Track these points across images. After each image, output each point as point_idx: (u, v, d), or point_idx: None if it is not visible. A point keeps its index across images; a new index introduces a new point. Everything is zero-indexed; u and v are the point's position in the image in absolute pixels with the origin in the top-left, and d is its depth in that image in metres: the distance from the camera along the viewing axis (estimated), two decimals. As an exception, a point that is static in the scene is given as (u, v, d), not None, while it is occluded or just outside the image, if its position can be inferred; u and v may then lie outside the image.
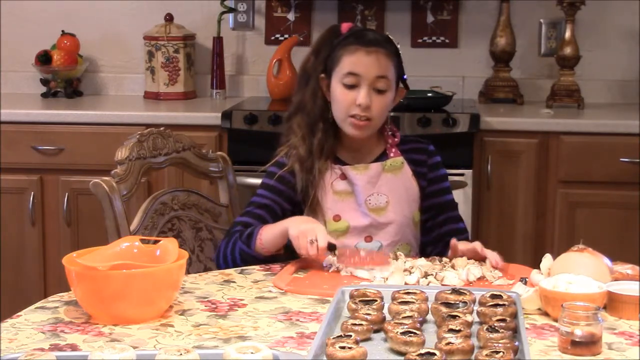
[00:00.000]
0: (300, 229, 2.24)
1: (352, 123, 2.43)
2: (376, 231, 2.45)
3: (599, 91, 4.19)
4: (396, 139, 2.53)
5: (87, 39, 4.33)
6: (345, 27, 2.49)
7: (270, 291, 2.13)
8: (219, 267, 2.41)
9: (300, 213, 2.45)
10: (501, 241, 3.64)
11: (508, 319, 1.80)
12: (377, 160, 2.50)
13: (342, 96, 2.43)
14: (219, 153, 2.78)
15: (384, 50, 2.42)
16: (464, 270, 2.18)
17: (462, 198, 3.50)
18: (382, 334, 1.78)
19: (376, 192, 2.47)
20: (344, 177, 2.47)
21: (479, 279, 2.18)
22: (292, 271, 2.25)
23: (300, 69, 2.58)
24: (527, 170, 3.67)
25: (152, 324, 1.89)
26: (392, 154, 2.51)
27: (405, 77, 2.50)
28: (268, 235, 2.32)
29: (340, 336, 1.69)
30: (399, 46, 2.48)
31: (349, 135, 2.46)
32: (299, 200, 2.46)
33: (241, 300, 2.06)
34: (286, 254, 2.36)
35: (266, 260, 2.34)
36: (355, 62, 2.41)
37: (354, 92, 2.41)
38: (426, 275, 2.16)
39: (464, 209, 3.41)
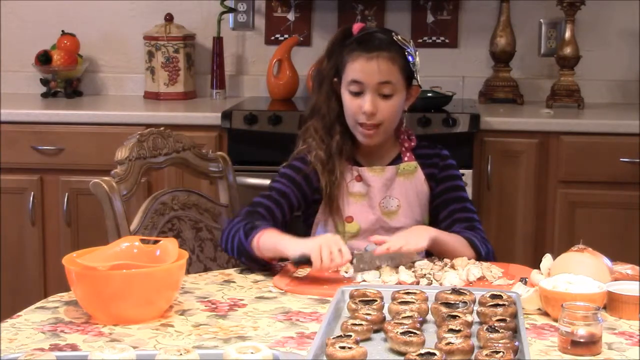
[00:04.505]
0: (322, 241, 2.16)
1: (361, 131, 2.42)
2: (387, 234, 2.44)
3: (599, 91, 4.19)
4: (412, 143, 2.52)
5: (87, 39, 4.33)
6: (356, 28, 2.46)
7: (270, 291, 2.13)
8: (220, 241, 2.36)
9: (312, 213, 2.46)
10: (501, 241, 3.64)
11: (508, 319, 1.80)
12: (392, 163, 2.50)
13: (348, 103, 2.42)
14: (219, 153, 2.78)
15: (386, 54, 2.38)
16: (464, 270, 2.18)
17: (462, 198, 3.50)
18: (382, 334, 1.78)
19: (389, 196, 2.47)
20: (359, 178, 2.46)
21: (479, 279, 2.18)
22: (292, 271, 2.25)
23: (315, 70, 2.56)
24: (527, 170, 3.67)
25: (152, 324, 1.89)
26: (406, 158, 2.50)
27: (416, 76, 2.44)
28: (266, 242, 2.23)
29: (340, 336, 1.69)
30: (411, 43, 2.44)
31: (361, 142, 2.46)
32: (312, 199, 2.46)
33: (241, 300, 2.06)
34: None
35: (259, 262, 2.27)
36: (357, 69, 2.39)
37: (360, 99, 2.40)
38: (424, 275, 2.16)
39: (464, 209, 3.41)
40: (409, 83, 2.44)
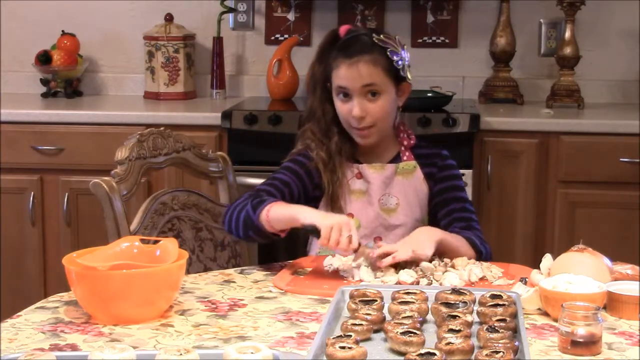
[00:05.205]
0: (335, 221, 2.18)
1: (356, 133, 2.46)
2: (386, 232, 2.46)
3: (599, 91, 4.19)
4: (412, 142, 2.53)
5: (87, 39, 4.33)
6: (342, 31, 2.48)
7: (270, 291, 2.13)
8: (224, 224, 2.39)
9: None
10: (501, 241, 3.64)
11: (508, 319, 1.80)
12: (391, 162, 2.51)
13: (340, 108, 2.45)
14: (219, 153, 2.78)
15: (367, 57, 2.40)
16: (466, 271, 2.18)
17: (462, 198, 3.50)
18: (382, 334, 1.78)
19: (388, 193, 2.48)
20: (359, 176, 2.48)
21: (480, 279, 2.17)
22: (292, 271, 2.26)
23: (308, 75, 2.58)
24: (527, 170, 3.67)
25: (152, 324, 1.89)
26: (405, 157, 2.52)
27: (403, 73, 2.44)
28: (277, 212, 2.26)
29: (340, 336, 1.69)
30: (396, 40, 2.44)
31: (358, 142, 2.48)
32: (312, 195, 2.48)
33: (241, 300, 2.06)
34: (286, 238, 2.34)
35: (266, 236, 2.30)
36: (341, 76, 2.42)
37: (349, 103, 2.43)
38: (424, 275, 2.16)
39: (464, 209, 3.40)
40: (398, 80, 2.45)
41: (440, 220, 2.48)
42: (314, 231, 2.19)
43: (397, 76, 2.45)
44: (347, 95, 2.43)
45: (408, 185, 2.50)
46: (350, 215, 2.45)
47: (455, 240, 2.34)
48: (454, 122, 3.60)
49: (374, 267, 2.19)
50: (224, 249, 2.72)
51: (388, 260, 2.18)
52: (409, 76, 2.48)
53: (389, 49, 2.43)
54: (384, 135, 2.49)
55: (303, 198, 2.48)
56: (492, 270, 2.22)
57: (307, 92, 2.60)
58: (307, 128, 2.51)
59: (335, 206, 2.45)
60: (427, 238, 2.27)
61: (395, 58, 2.43)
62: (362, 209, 2.47)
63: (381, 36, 2.44)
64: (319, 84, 2.50)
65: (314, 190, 2.48)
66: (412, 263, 2.21)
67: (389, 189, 2.49)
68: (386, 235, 2.46)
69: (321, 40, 2.54)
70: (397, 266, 2.20)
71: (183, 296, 2.07)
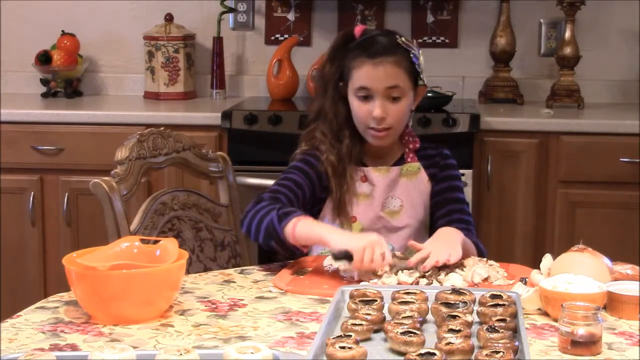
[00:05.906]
0: (368, 241, 2.15)
1: (372, 135, 2.43)
2: (389, 234, 2.45)
3: (599, 91, 4.19)
4: (417, 145, 2.52)
5: (87, 39, 4.33)
6: (358, 31, 2.46)
7: (270, 291, 2.13)
8: (241, 225, 2.36)
9: (315, 212, 2.46)
10: (501, 241, 3.64)
11: (508, 319, 1.80)
12: (396, 164, 2.51)
13: (357, 109, 2.42)
14: (219, 153, 2.78)
15: (392, 58, 2.38)
16: (470, 272, 2.17)
17: (462, 198, 3.50)
18: (382, 334, 1.78)
19: (391, 196, 2.48)
20: (365, 179, 2.47)
21: (484, 279, 2.17)
22: (292, 271, 2.26)
23: (318, 75, 2.56)
24: (527, 170, 3.67)
25: (152, 324, 1.89)
26: (409, 159, 2.51)
27: (422, 76, 2.45)
28: (304, 230, 2.22)
29: (340, 336, 1.69)
30: (414, 43, 2.44)
31: (372, 144, 2.46)
32: (319, 196, 2.46)
33: (241, 300, 2.06)
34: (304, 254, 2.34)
35: (287, 248, 2.28)
36: (363, 76, 2.39)
37: (369, 104, 2.40)
38: (424, 275, 2.16)
39: (464, 209, 3.40)
40: (415, 84, 2.45)
41: (438, 220, 2.48)
42: (346, 256, 2.15)
43: (415, 79, 2.44)
44: (366, 95, 2.40)
45: (412, 187, 2.50)
46: (354, 218, 2.44)
47: (469, 244, 2.34)
48: (454, 122, 3.60)
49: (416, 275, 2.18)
50: (224, 249, 2.72)
51: (431, 263, 2.16)
52: (425, 80, 2.47)
53: (411, 52, 2.42)
54: (397, 137, 2.48)
55: (311, 199, 2.46)
56: (499, 271, 2.21)
57: (315, 92, 2.56)
58: (316, 128, 2.48)
59: (342, 210, 2.44)
60: (454, 239, 2.26)
61: (415, 61, 2.42)
62: (365, 212, 2.46)
63: (403, 38, 2.43)
64: (331, 84, 2.46)
65: (321, 193, 2.47)
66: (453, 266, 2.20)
67: (393, 191, 2.48)
68: (389, 237, 2.44)
69: (334, 40, 2.51)
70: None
71: (183, 296, 2.07)
